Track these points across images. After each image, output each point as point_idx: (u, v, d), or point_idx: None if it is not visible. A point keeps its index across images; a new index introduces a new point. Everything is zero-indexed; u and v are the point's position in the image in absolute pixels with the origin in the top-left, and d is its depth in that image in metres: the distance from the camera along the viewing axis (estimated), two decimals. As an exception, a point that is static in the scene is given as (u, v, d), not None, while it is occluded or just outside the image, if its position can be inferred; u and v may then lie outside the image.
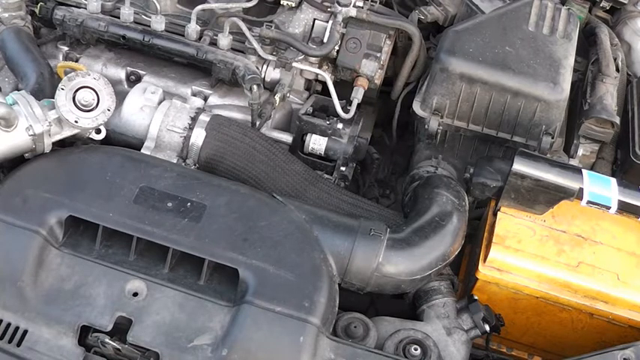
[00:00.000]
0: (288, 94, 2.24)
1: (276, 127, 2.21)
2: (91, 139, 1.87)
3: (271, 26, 2.21)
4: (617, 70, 2.25)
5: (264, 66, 2.22)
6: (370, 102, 2.36)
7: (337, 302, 1.68)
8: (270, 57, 2.19)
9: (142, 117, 2.00)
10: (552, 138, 2.02)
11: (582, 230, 1.87)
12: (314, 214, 1.78)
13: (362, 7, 2.22)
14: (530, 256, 1.82)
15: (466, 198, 1.91)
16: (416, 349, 1.70)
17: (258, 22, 2.28)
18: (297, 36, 2.24)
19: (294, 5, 2.27)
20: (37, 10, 2.25)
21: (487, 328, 1.79)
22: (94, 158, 1.80)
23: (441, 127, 2.08)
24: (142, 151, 1.94)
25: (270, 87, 2.23)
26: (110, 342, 1.54)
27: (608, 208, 1.83)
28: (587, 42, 2.42)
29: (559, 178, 1.82)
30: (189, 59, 2.21)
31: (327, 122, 2.15)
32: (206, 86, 2.21)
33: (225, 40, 2.19)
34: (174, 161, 1.92)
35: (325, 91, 2.23)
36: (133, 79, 2.21)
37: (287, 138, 2.16)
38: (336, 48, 2.21)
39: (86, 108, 1.77)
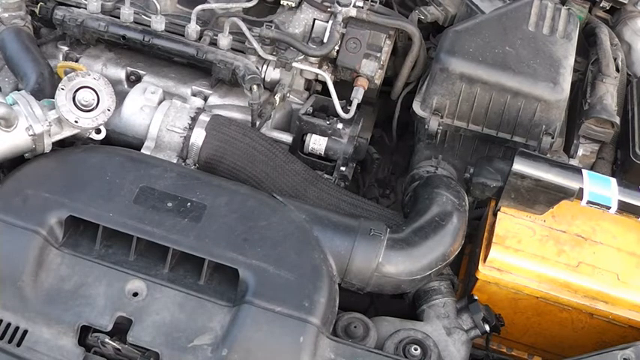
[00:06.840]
0: (288, 94, 2.24)
1: (276, 127, 2.21)
2: (91, 139, 1.87)
3: (271, 26, 2.21)
4: (617, 70, 2.25)
5: (264, 66, 2.22)
6: (370, 102, 2.36)
7: (337, 302, 1.68)
8: (270, 57, 2.19)
9: (142, 117, 2.00)
10: (552, 138, 2.02)
11: (582, 230, 1.87)
12: (314, 214, 1.78)
13: (362, 7, 2.22)
14: (530, 256, 1.82)
15: (466, 198, 1.91)
16: (416, 349, 1.70)
17: (258, 22, 2.28)
18: (297, 36, 2.24)
19: (294, 5, 2.27)
20: (37, 10, 2.25)
21: (487, 328, 1.79)
22: (94, 158, 1.80)
23: (441, 127, 2.08)
24: (142, 151, 1.94)
25: (270, 87, 2.23)
26: (110, 342, 1.54)
27: (608, 208, 1.83)
28: (587, 42, 2.42)
29: (559, 178, 1.82)
30: (189, 59, 2.22)
31: (327, 122, 2.14)
32: (206, 86, 2.20)
33: (225, 40, 2.19)
34: (174, 161, 1.92)
35: (325, 91, 2.23)
36: (133, 79, 2.21)
37: (287, 138, 2.16)
38: (336, 48, 2.21)
39: (86, 108, 1.77)
